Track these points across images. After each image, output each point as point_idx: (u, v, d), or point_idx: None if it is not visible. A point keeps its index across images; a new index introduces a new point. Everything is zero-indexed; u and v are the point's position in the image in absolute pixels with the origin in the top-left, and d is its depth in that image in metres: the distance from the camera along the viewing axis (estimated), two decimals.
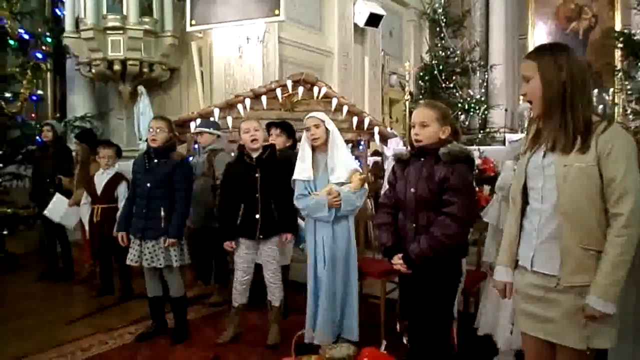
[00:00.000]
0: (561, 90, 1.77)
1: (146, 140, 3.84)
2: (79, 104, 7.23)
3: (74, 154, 5.52)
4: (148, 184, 3.53)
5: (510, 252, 1.98)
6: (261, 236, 3.47)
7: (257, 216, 3.44)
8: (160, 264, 3.54)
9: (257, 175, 3.45)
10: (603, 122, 1.77)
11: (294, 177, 3.35)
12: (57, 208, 5.10)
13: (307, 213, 3.32)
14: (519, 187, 1.94)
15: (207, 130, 4.48)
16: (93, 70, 6.52)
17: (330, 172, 3.29)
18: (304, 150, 3.35)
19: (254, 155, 3.49)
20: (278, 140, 4.09)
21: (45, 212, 5.13)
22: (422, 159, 2.48)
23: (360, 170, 3.36)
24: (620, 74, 8.36)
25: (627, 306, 2.22)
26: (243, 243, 3.53)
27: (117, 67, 6.38)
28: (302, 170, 3.34)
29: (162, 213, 3.51)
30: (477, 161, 4.39)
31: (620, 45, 8.03)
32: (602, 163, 1.72)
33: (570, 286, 1.76)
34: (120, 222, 3.73)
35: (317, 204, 3.23)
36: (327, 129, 3.28)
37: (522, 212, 1.94)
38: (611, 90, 8.73)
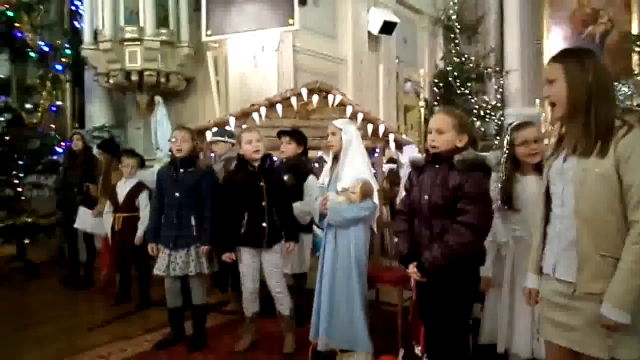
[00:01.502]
0: (587, 93, 1.76)
1: (169, 151, 3.89)
2: (97, 114, 7.34)
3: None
4: (177, 194, 3.58)
5: (535, 259, 1.98)
6: (267, 244, 3.48)
7: (264, 224, 3.45)
8: (191, 272, 3.58)
9: (262, 183, 3.47)
10: (624, 127, 1.74)
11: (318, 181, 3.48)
12: (84, 219, 5.21)
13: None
14: (542, 192, 1.94)
15: (222, 139, 4.53)
16: (111, 81, 6.61)
17: (339, 180, 3.32)
18: (329, 157, 3.47)
19: (256, 164, 3.51)
20: (288, 148, 4.14)
21: (76, 225, 5.27)
22: (437, 166, 2.47)
23: (368, 182, 3.30)
24: (638, 78, 8.26)
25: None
26: (246, 252, 3.52)
27: (134, 77, 6.46)
28: (322, 176, 3.50)
29: (193, 222, 3.57)
30: None
31: (637, 49, 7.94)
32: (622, 168, 1.69)
33: (588, 293, 1.73)
34: (149, 233, 3.77)
35: (314, 210, 3.39)
36: (342, 137, 3.30)
37: (546, 219, 1.93)
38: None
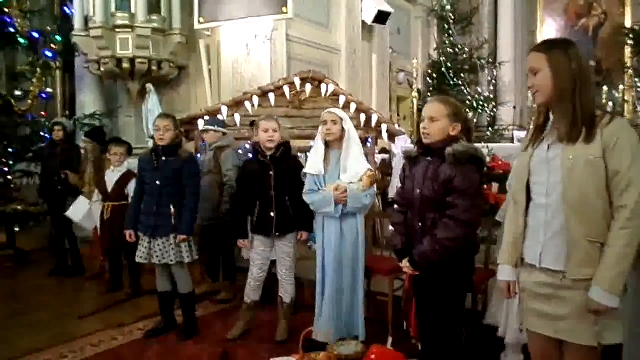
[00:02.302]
0: (572, 81, 1.78)
1: (152, 138, 3.86)
2: (88, 101, 7.27)
3: (82, 151, 5.56)
4: (157, 182, 3.55)
5: (514, 250, 1.97)
6: (277, 233, 3.50)
7: (272, 214, 3.46)
8: (171, 261, 3.57)
9: (271, 173, 3.47)
10: (607, 115, 1.78)
11: (305, 170, 3.38)
12: (80, 209, 5.14)
13: (315, 208, 3.35)
14: (523, 183, 1.93)
15: (212, 128, 4.52)
16: (102, 69, 6.54)
17: (342, 170, 3.30)
18: (317, 145, 3.38)
19: (269, 153, 3.50)
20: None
21: (68, 213, 5.18)
22: (429, 158, 2.46)
23: (372, 170, 3.37)
24: (630, 71, 8.30)
25: (624, 300, 2.20)
26: (259, 240, 3.56)
27: (125, 65, 6.39)
28: (314, 164, 3.36)
29: (172, 210, 3.54)
30: (487, 159, 4.37)
31: (630, 42, 7.97)
32: (608, 155, 1.72)
33: (579, 280, 1.75)
34: (128, 220, 3.75)
35: (324, 199, 3.26)
36: (343, 127, 3.29)
37: (526, 209, 1.93)
38: (621, 87, 8.67)
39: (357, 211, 3.30)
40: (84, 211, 5.13)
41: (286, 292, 3.62)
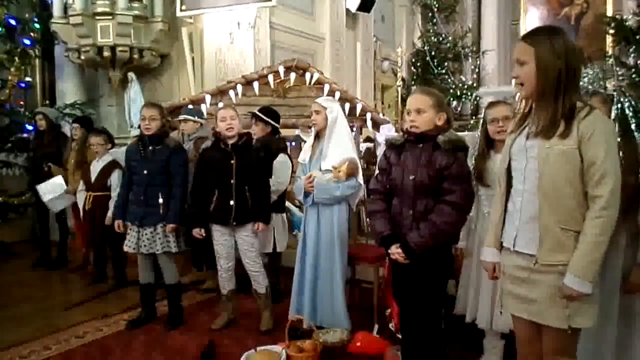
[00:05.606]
0: (556, 78, 1.79)
1: (138, 127, 3.82)
2: (69, 90, 7.14)
3: (70, 137, 5.46)
4: (145, 171, 3.53)
5: (495, 233, 2.03)
6: (235, 223, 3.47)
7: (232, 202, 3.43)
8: (158, 250, 3.56)
9: (232, 161, 3.44)
10: (585, 108, 1.80)
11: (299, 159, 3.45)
12: (52, 189, 5.03)
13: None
14: (504, 168, 1.99)
15: (191, 118, 4.47)
16: (82, 57, 6.42)
17: (322, 159, 3.31)
18: (311, 134, 3.46)
19: (230, 142, 3.48)
20: (256, 128, 4.13)
21: (38, 187, 5.05)
22: (420, 146, 2.45)
23: (354, 161, 3.32)
24: (611, 59, 8.38)
25: (611, 288, 2.26)
26: (218, 230, 3.53)
27: (106, 53, 6.28)
28: (302, 152, 3.46)
29: (161, 200, 3.53)
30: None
31: (611, 31, 8.04)
32: (583, 146, 1.76)
33: (550, 265, 1.80)
34: (116, 210, 3.73)
35: (297, 187, 3.35)
36: (327, 116, 3.29)
37: (507, 194, 1.98)
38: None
39: (327, 202, 3.29)
40: (55, 192, 5.02)
41: (258, 283, 3.60)
